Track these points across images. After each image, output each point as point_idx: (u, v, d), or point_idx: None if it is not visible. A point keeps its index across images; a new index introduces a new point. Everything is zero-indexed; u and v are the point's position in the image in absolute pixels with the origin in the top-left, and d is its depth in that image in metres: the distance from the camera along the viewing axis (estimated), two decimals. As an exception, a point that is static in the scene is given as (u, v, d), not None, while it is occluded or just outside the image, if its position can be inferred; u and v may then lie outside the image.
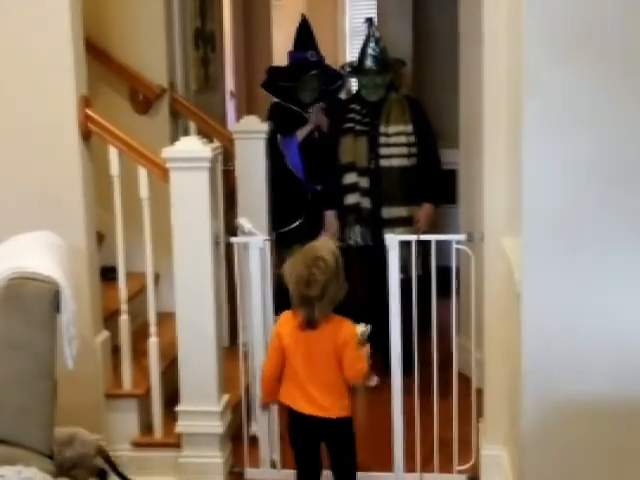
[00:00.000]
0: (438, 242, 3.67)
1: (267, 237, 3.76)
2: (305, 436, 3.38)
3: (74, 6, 3.65)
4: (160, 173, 3.70)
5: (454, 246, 3.64)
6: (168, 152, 3.62)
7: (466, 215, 4.86)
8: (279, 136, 5.11)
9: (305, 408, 3.28)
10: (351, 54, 10.12)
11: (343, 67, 5.26)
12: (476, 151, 4.28)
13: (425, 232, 4.49)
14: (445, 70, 5.94)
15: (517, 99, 3.00)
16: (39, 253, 2.74)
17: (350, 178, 4.89)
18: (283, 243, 5.02)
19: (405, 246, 3.67)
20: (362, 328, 3.27)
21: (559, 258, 2.80)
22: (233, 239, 3.80)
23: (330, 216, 4.97)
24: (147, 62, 4.69)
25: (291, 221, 5.16)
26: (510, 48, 3.36)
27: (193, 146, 3.61)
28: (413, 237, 3.69)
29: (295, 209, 5.17)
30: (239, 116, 7.65)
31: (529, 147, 2.78)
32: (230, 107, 7.68)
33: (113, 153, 3.76)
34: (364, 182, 4.86)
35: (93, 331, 3.81)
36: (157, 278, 4.58)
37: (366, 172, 4.86)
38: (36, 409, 2.58)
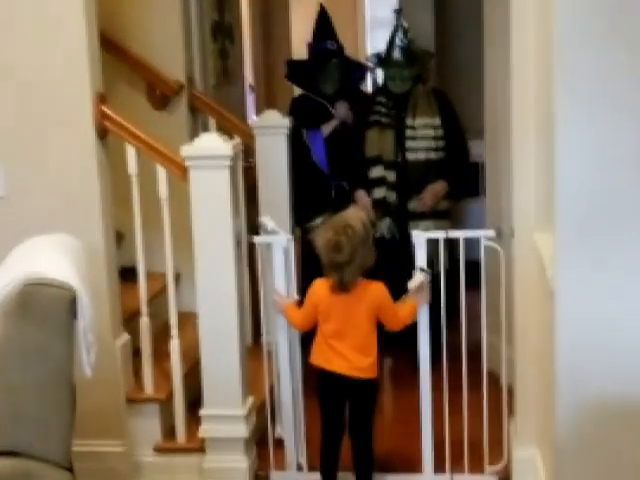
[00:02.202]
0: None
1: (290, 236, 3.65)
2: (334, 395, 3.50)
3: (88, 1, 3.55)
4: (179, 172, 3.60)
5: (483, 243, 3.52)
6: (187, 150, 3.52)
7: (493, 208, 4.74)
8: (304, 130, 5.01)
9: (338, 367, 3.42)
10: (372, 46, 10.00)
11: (369, 58, 5.14)
12: (503, 142, 4.20)
13: (429, 206, 4.65)
14: (468, 61, 5.80)
15: (547, 84, 2.88)
16: (55, 258, 2.65)
17: (377, 172, 4.80)
18: (307, 240, 4.93)
19: (432, 240, 3.58)
20: (420, 277, 3.48)
21: (594, 253, 2.68)
22: (256, 239, 3.71)
23: (361, 193, 4.86)
24: (164, 57, 4.57)
25: (315, 216, 5.04)
26: (539, 32, 3.24)
27: (213, 143, 3.51)
28: (441, 234, 3.57)
29: (319, 204, 5.06)
30: (258, 110, 7.55)
31: (561, 134, 2.64)
32: (249, 101, 7.57)
33: (130, 152, 3.66)
34: (391, 176, 4.77)
35: (113, 334, 3.72)
36: (178, 278, 4.48)
37: (392, 166, 4.76)
38: (53, 419, 2.49)
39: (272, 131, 4.58)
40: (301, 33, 7.99)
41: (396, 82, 4.81)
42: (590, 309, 2.70)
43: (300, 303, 3.60)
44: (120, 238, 4.39)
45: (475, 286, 3.62)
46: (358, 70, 5.30)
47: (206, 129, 4.70)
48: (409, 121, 4.76)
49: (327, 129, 5.10)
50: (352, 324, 3.41)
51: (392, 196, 4.78)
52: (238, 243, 3.66)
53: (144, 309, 3.79)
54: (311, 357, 3.54)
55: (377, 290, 3.44)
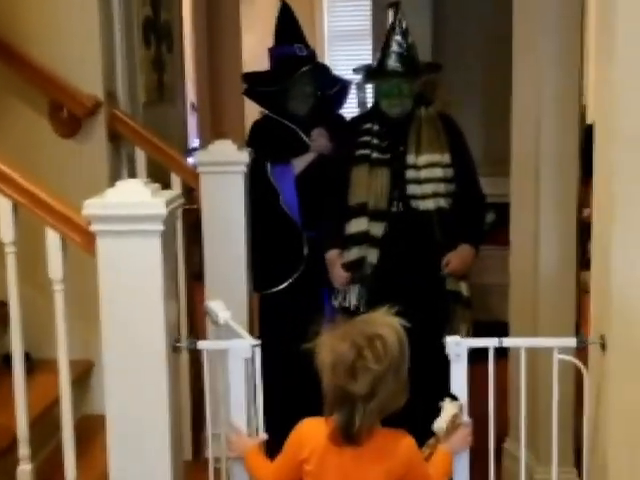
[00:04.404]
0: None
1: (256, 341, 2.34)
2: None
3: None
4: (82, 240, 2.30)
5: (556, 356, 2.30)
6: (93, 207, 2.20)
7: (519, 259, 3.58)
8: (269, 165, 3.74)
9: None
10: (331, 64, 8.92)
11: (356, 70, 3.84)
12: (536, 180, 3.36)
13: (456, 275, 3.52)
14: (471, 80, 4.84)
15: None
16: None
17: (358, 225, 3.51)
18: (268, 309, 3.81)
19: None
20: (453, 409, 2.27)
21: None
22: (202, 345, 2.39)
23: (334, 256, 3.60)
24: (74, 64, 3.45)
25: (281, 279, 3.83)
26: None
27: (135, 197, 2.20)
28: (492, 342, 2.31)
29: (288, 263, 3.84)
30: (203, 135, 6.37)
31: None
32: (191, 123, 6.36)
33: (5, 207, 2.35)
34: (376, 229, 3.49)
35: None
36: (90, 369, 3.50)
37: (381, 216, 3.49)
38: None
39: (224, 168, 3.35)
40: (253, 46, 6.92)
41: (392, 100, 3.54)
42: None
43: (272, 447, 2.30)
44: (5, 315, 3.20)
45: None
46: (336, 85, 4.00)
47: (132, 165, 3.54)
48: (411, 158, 3.51)
49: (300, 165, 3.83)
50: None
51: (373, 255, 3.51)
52: (174, 349, 2.35)
53: (24, 451, 2.47)
54: None
55: (406, 448, 2.15)
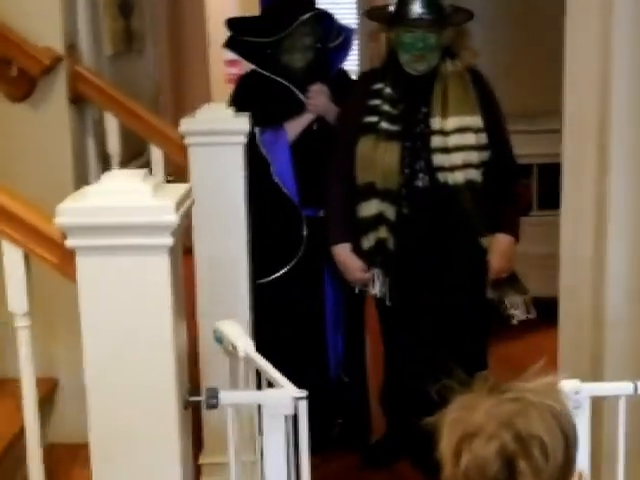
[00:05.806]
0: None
1: (301, 393, 1.69)
2: None
3: None
4: (56, 256, 1.65)
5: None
6: (70, 214, 1.55)
7: (575, 227, 3.00)
8: (257, 130, 3.10)
9: None
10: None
11: (369, 14, 3.19)
12: (602, 136, 2.70)
13: (499, 274, 3.00)
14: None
15: None
16: None
17: (369, 208, 2.96)
18: (262, 300, 3.13)
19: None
20: None
21: None
22: (228, 398, 1.74)
23: (344, 251, 3.05)
24: (27, 12, 2.82)
25: (278, 266, 3.24)
26: None
27: (131, 199, 1.55)
28: (624, 388, 1.71)
29: (284, 247, 3.26)
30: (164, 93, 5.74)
31: None
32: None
33: None
34: (390, 212, 2.97)
35: None
36: (55, 387, 2.96)
37: (394, 198, 2.95)
38: None
39: (219, 139, 2.70)
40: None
41: (416, 53, 2.92)
42: None
43: None
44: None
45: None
46: (339, 36, 3.35)
47: (101, 134, 2.94)
48: (436, 122, 2.92)
49: (295, 129, 3.21)
50: None
51: (390, 240, 2.99)
52: (187, 403, 1.71)
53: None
54: None
55: None
